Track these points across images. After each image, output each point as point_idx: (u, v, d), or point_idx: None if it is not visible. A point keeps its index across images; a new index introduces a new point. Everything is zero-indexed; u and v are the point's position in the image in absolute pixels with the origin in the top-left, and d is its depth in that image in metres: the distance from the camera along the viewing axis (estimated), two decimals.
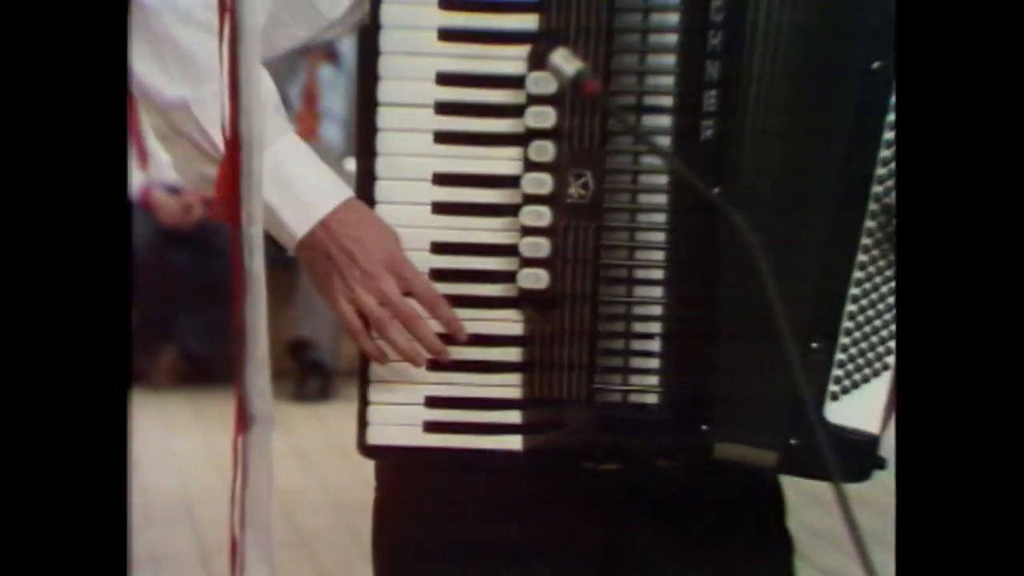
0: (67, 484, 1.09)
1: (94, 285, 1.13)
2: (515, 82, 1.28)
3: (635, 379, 1.34)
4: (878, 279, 1.38)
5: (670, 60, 1.29)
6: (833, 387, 1.38)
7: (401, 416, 1.36)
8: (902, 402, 1.19)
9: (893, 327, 1.38)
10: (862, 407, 1.40)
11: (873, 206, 1.34)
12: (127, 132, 1.20)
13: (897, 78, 1.31)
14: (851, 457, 1.34)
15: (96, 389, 1.12)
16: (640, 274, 1.32)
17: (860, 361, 1.40)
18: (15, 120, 1.12)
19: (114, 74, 1.14)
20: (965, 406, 1.16)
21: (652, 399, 1.33)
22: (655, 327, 1.32)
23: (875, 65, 1.31)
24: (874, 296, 1.38)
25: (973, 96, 1.17)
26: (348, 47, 4.31)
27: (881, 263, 1.37)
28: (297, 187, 1.34)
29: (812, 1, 1.32)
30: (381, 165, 1.31)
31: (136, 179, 4.43)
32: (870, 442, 1.36)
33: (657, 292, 1.31)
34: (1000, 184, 1.17)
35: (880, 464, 1.34)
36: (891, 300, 1.38)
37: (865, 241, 1.36)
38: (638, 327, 1.32)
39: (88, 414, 1.14)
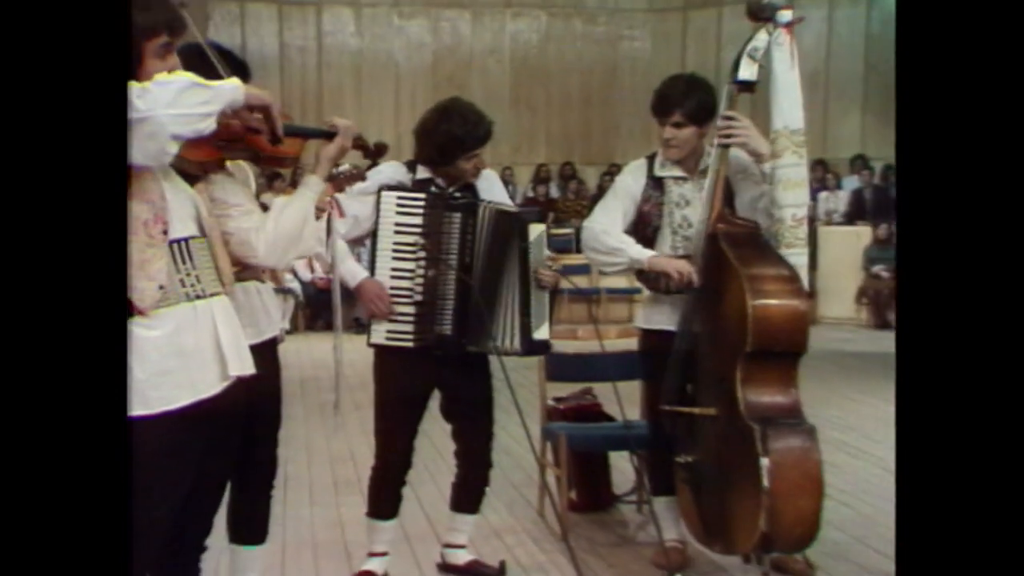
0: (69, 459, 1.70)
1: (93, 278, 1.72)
2: (415, 244, 4.38)
3: (445, 326, 4.34)
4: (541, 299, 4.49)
5: (455, 243, 4.31)
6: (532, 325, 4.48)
7: (380, 333, 4.38)
8: (901, 401, 1.49)
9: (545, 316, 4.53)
10: (542, 333, 4.43)
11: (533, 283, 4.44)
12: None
13: (897, 79, 1.80)
14: (539, 349, 4.48)
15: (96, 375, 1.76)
16: (447, 296, 4.32)
17: (537, 320, 4.47)
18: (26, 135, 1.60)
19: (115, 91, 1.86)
20: (963, 407, 1.20)
21: (448, 331, 4.35)
22: (450, 313, 4.33)
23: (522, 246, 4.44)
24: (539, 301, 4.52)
25: (972, 98, 1.24)
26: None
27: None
28: (351, 273, 4.34)
29: (492, 231, 4.34)
30: (376, 267, 4.36)
31: (310, 274, 12.82)
32: (547, 343, 4.46)
33: (450, 303, 4.33)
34: (996, 187, 1.18)
35: (549, 349, 4.51)
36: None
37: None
38: (445, 312, 4.33)
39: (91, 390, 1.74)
